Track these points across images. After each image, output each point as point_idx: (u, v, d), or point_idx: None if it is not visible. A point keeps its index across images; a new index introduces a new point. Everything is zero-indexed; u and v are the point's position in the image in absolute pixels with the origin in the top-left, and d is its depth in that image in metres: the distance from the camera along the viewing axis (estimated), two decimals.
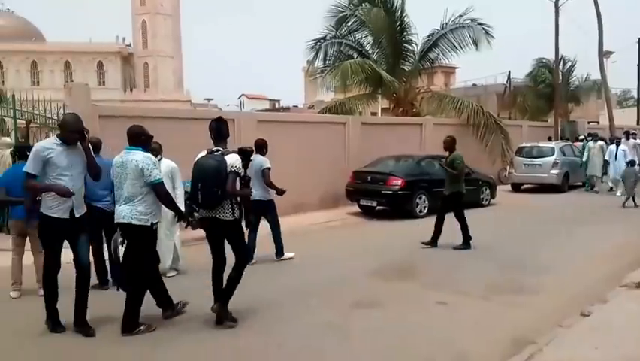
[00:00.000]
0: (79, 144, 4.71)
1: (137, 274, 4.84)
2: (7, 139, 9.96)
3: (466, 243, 8.41)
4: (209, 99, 60.18)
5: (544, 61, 27.63)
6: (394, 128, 14.99)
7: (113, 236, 6.10)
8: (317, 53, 18.14)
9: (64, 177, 4.57)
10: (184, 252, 7.20)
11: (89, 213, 6.14)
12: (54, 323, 4.81)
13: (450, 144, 8.73)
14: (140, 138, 4.89)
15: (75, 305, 4.79)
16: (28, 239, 6.13)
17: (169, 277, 6.68)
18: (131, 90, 52.67)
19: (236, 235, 5.04)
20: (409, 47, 17.95)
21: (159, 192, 4.78)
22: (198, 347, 4.52)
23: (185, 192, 8.67)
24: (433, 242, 8.47)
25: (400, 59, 17.86)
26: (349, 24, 17.97)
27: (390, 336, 4.75)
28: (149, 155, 4.85)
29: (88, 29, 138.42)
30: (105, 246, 6.30)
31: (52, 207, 4.59)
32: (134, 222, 4.71)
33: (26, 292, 6.01)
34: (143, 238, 4.78)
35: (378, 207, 12.02)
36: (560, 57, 23.29)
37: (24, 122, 9.91)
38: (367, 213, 12.22)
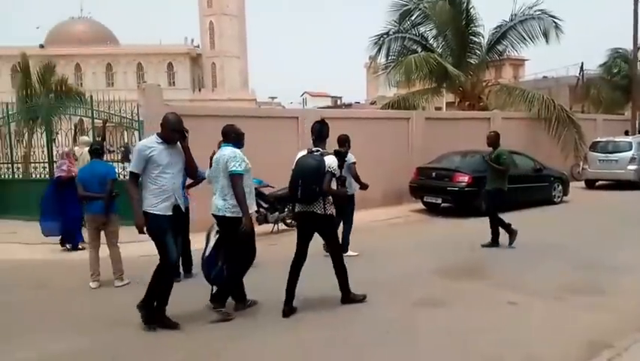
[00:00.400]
0: (178, 143, 4.88)
1: (235, 262, 5.18)
2: (86, 138, 10.59)
3: (495, 242, 8.26)
4: (273, 97, 61.27)
5: (620, 51, 26.02)
6: (460, 123, 14.63)
7: (185, 228, 6.42)
8: (380, 49, 17.99)
9: (165, 174, 4.69)
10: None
11: None
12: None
13: (494, 140, 8.55)
14: (230, 136, 5.31)
15: (158, 298, 4.89)
16: (103, 233, 6.47)
17: None
18: (200, 90, 54.42)
19: (330, 230, 5.36)
20: (476, 39, 17.48)
21: (234, 182, 5.00)
22: (266, 340, 4.61)
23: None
24: (494, 243, 8.28)
25: (465, 51, 17.42)
26: (413, 18, 17.71)
27: (456, 336, 4.64)
28: (236, 150, 5.17)
29: (158, 32, 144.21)
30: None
31: (157, 205, 4.65)
32: (228, 214, 5.04)
33: (104, 283, 6.35)
34: (237, 229, 5.01)
35: (443, 205, 11.78)
36: (638, 47, 21.85)
37: (101, 121, 10.47)
38: (432, 210, 12.01)
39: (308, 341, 4.59)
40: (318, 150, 5.24)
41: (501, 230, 8.25)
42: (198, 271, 6.69)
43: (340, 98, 62.51)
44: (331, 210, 5.20)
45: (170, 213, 4.75)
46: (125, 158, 10.11)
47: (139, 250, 7.51)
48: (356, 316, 5.17)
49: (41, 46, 49.10)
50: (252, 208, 5.27)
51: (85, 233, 7.39)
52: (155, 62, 54.47)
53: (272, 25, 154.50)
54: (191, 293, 5.80)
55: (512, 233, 8.18)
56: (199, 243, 6.83)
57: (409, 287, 6.13)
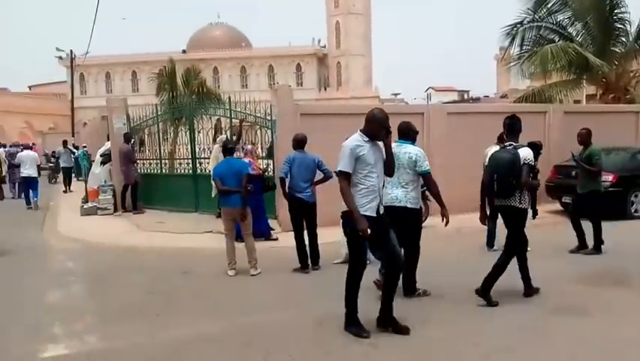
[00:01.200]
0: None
1: (410, 250, 5.45)
2: (224, 136, 11.40)
3: (598, 248, 7.49)
4: (396, 94, 60.88)
5: None
6: (603, 118, 13.31)
7: (312, 223, 6.68)
8: (513, 39, 17.00)
9: (372, 174, 4.46)
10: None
11: (291, 203, 6.80)
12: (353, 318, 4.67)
13: (585, 137, 7.83)
14: (408, 134, 5.65)
15: (383, 303, 4.67)
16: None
17: (335, 263, 6.98)
18: (325, 89, 55.79)
19: (519, 224, 5.36)
20: (621, 26, 15.80)
21: (429, 180, 5.42)
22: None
23: None
24: (582, 248, 7.64)
25: (609, 39, 15.83)
26: (549, 6, 16.46)
27: (596, 347, 4.28)
28: (420, 148, 5.54)
29: (288, 34, 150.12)
30: (305, 233, 6.87)
31: (365, 205, 4.42)
32: (409, 205, 5.40)
33: (240, 271, 6.78)
34: (418, 220, 5.43)
35: None
36: None
37: (237, 121, 11.19)
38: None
39: (436, 340, 4.51)
40: (511, 144, 5.34)
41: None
42: (323, 263, 6.95)
43: (467, 92, 60.26)
44: (525, 203, 5.25)
45: (375, 215, 4.45)
46: (269, 155, 10.66)
47: (271, 241, 7.99)
48: (486, 318, 4.99)
49: (183, 51, 53.67)
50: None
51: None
52: (284, 63, 56.88)
53: (396, 21, 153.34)
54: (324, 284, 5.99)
55: (600, 243, 7.52)
56: (325, 236, 7.08)
57: (542, 292, 5.76)
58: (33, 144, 20.23)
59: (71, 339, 4.73)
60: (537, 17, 16.66)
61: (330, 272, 6.82)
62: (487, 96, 46.78)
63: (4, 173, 14.64)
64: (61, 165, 19.50)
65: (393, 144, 4.83)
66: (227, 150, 7.12)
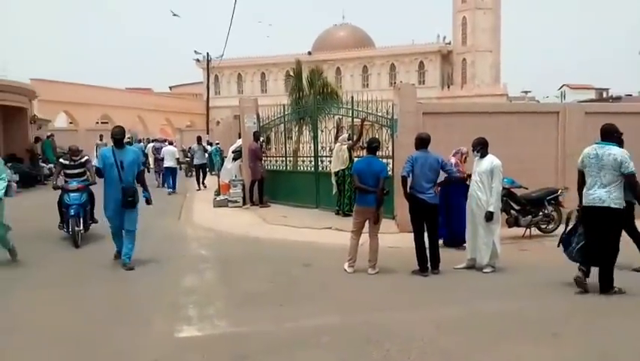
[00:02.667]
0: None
1: (611, 249, 5.59)
2: (345, 135, 11.59)
3: None
4: (526, 92, 57.37)
5: None
6: None
7: (433, 225, 6.55)
8: None
9: None
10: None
11: (412, 204, 6.73)
12: None
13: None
14: (613, 135, 5.70)
15: None
16: (367, 223, 6.90)
17: (485, 273, 6.76)
18: (448, 87, 54.24)
19: None
20: None
21: (632, 181, 5.50)
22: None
23: (503, 188, 8.60)
24: None
25: None
26: None
27: None
28: (624, 150, 5.60)
29: (412, 31, 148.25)
30: (426, 234, 6.76)
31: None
32: (613, 205, 5.47)
33: (357, 269, 6.86)
34: (619, 219, 5.54)
35: None
36: None
37: (359, 120, 11.30)
38: None
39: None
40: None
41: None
42: (443, 268, 6.79)
43: (606, 90, 54.98)
44: None
45: None
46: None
47: (388, 241, 7.99)
48: (613, 330, 4.57)
49: (309, 53, 55.30)
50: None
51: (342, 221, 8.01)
52: (406, 61, 56.22)
53: (528, 14, 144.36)
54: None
55: None
56: None
57: None
58: (170, 142, 22.07)
59: (203, 322, 5.12)
60: None
61: (449, 277, 6.68)
62: (630, 95, 42.26)
63: (151, 165, 19.83)
64: (195, 161, 18.94)
65: (594, 145, 5.61)
66: (371, 148, 7.06)
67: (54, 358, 4.34)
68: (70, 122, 44.08)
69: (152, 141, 22.78)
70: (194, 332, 4.88)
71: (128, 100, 48.91)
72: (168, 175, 17.10)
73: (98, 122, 44.88)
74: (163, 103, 55.52)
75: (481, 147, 6.94)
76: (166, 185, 17.14)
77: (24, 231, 8.60)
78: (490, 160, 6.84)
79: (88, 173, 8.99)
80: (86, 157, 9.26)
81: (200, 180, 17.76)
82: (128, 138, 27.20)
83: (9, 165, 16.84)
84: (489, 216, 6.73)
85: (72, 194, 8.61)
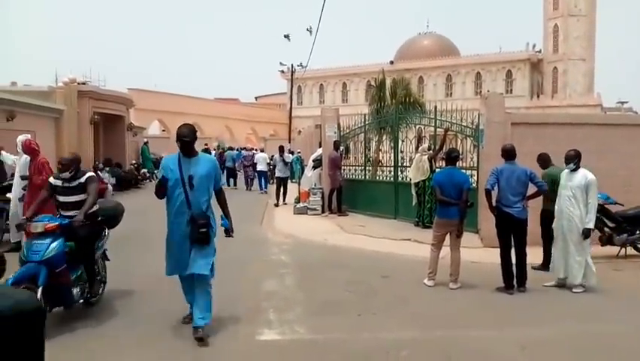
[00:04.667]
0: None
1: None
2: (426, 145, 11.41)
3: None
4: (622, 102, 53.55)
5: None
6: None
7: (521, 241, 6.28)
8: None
9: None
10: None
11: (499, 218, 6.49)
12: None
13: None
14: None
15: None
16: (449, 236, 6.75)
17: (575, 292, 6.39)
18: (538, 97, 51.89)
19: None
20: None
21: None
22: None
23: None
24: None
25: None
26: None
27: None
28: None
29: (500, 39, 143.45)
30: (513, 251, 6.48)
31: None
32: None
33: (437, 283, 6.69)
34: None
35: None
36: None
37: (442, 130, 11.08)
38: None
39: None
40: None
41: None
42: (530, 285, 6.48)
43: None
44: None
45: None
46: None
47: (471, 256, 7.75)
48: None
49: (391, 62, 55.08)
50: None
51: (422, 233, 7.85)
52: (493, 70, 54.51)
53: (626, 21, 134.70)
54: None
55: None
56: (533, 256, 6.61)
57: None
58: (262, 149, 23.12)
59: (283, 326, 5.22)
60: None
61: (536, 295, 6.37)
62: None
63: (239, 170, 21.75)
64: (276, 174, 17.21)
65: None
66: (451, 158, 6.94)
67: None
68: (163, 130, 46.79)
69: (243, 149, 24.76)
70: (274, 335, 4.99)
71: (217, 110, 51.27)
72: (261, 178, 19.98)
73: None
74: (249, 113, 57.62)
75: (576, 160, 6.57)
76: (259, 186, 19.92)
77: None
78: (584, 174, 6.48)
79: (90, 198, 5.28)
80: (88, 174, 5.49)
81: (280, 194, 15.79)
82: (205, 145, 28.51)
83: (107, 169, 18.30)
84: (587, 234, 6.36)
85: (34, 242, 4.85)
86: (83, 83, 19.69)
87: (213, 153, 29.24)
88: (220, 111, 51.52)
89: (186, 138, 4.68)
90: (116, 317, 5.37)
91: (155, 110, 41.91)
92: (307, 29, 26.37)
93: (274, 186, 17.33)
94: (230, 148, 28.65)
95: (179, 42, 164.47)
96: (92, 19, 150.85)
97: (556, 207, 6.67)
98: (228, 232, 5.05)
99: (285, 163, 16.82)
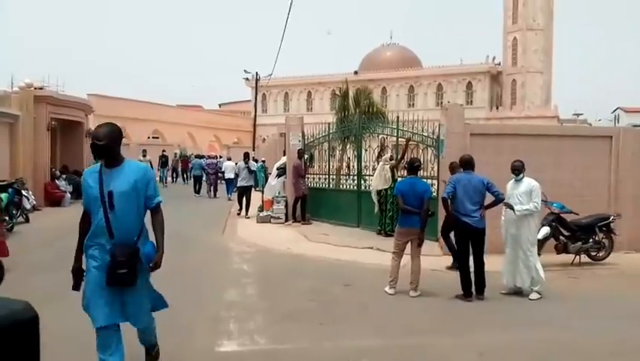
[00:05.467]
0: None
1: None
2: (388, 155, 11.56)
3: None
4: (578, 114, 55.51)
5: None
6: None
7: (479, 249, 6.43)
8: None
9: None
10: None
11: (456, 227, 6.62)
12: None
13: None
14: None
15: None
16: (410, 245, 6.82)
17: (531, 299, 6.55)
18: (497, 108, 53.29)
19: None
20: None
21: None
22: None
23: (552, 213, 8.37)
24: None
25: None
26: None
27: None
28: None
29: (460, 52, 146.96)
30: (471, 258, 6.62)
31: None
32: None
33: (397, 291, 6.74)
34: None
35: None
36: None
37: (404, 140, 11.24)
38: None
39: None
40: None
41: None
42: (488, 293, 6.62)
43: None
44: None
45: None
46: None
47: (431, 264, 7.87)
48: None
49: (355, 72, 55.56)
50: None
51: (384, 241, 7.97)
52: (454, 81, 55.67)
53: (582, 34, 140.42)
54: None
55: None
56: (491, 264, 6.76)
57: None
58: (229, 157, 23.24)
59: (243, 337, 5.16)
60: None
61: (494, 303, 6.51)
62: None
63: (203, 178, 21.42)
64: (239, 183, 15.74)
65: None
66: (412, 168, 7.05)
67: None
68: (123, 137, 45.79)
69: (208, 157, 24.66)
70: (234, 346, 4.93)
71: (179, 116, 50.56)
72: (229, 185, 19.90)
73: (149, 138, 46.47)
74: (212, 120, 57.05)
75: (522, 170, 6.82)
76: (226, 193, 20.05)
77: None
78: (529, 182, 6.79)
79: None
80: None
81: (244, 204, 14.99)
82: (163, 152, 27.92)
83: (64, 176, 17.77)
84: (508, 205, 6.67)
85: None
86: (41, 88, 19.06)
87: (173, 159, 29.04)
88: (182, 118, 50.84)
89: (100, 142, 3.44)
90: None
91: (116, 116, 40.86)
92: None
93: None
94: (198, 156, 28.44)
95: (142, 48, 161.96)
96: (52, 23, 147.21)
97: (502, 217, 6.89)
98: (150, 264, 3.60)
99: (250, 171, 15.73)
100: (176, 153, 31.51)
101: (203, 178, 21.87)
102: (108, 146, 3.48)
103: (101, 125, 3.62)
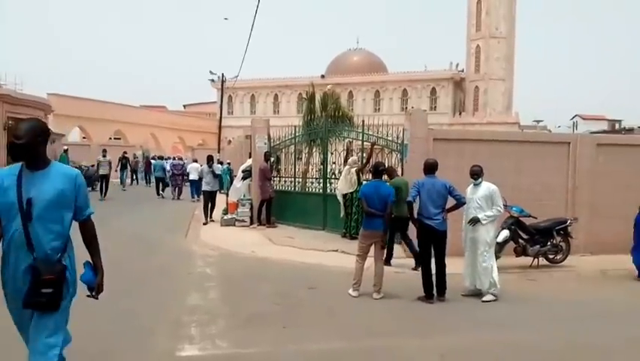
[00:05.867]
0: None
1: None
2: (355, 158, 11.61)
3: None
4: (538, 121, 57.30)
5: None
6: None
7: (441, 252, 6.52)
8: None
9: None
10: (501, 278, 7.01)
11: (419, 230, 6.70)
12: None
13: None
14: None
15: None
16: (373, 247, 6.88)
17: (485, 301, 6.68)
18: (460, 114, 54.36)
19: None
20: None
21: None
22: None
23: (512, 217, 8.57)
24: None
25: None
26: None
27: None
28: None
29: (425, 58, 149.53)
30: (433, 260, 6.71)
31: None
32: None
33: (361, 293, 6.78)
34: None
35: None
36: None
37: (369, 144, 11.33)
38: None
39: None
40: None
41: None
42: (449, 295, 6.72)
43: (620, 121, 54.83)
44: None
45: None
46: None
47: (395, 266, 7.94)
48: None
49: (322, 76, 55.79)
50: None
51: (349, 244, 7.98)
52: (419, 87, 56.55)
53: (543, 43, 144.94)
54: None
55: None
56: (453, 267, 6.88)
57: None
58: (195, 159, 23.30)
59: (205, 341, 5.07)
60: None
61: (455, 304, 6.60)
62: None
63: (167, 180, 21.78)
64: (203, 187, 14.64)
65: None
66: (377, 172, 7.11)
67: None
68: (84, 137, 44.68)
69: (173, 159, 24.79)
70: (195, 351, 4.84)
71: (142, 117, 49.61)
72: (193, 186, 20.27)
73: (111, 138, 45.44)
74: (176, 121, 56.19)
75: (481, 175, 6.97)
76: (190, 195, 20.37)
77: None
78: (487, 186, 6.93)
79: None
80: None
81: (209, 210, 13.93)
82: (124, 154, 27.48)
83: None
84: (474, 219, 6.76)
85: None
86: None
87: (132, 160, 28.38)
88: (146, 119, 49.90)
89: (20, 140, 2.94)
90: None
91: (76, 116, 39.97)
92: (224, 18, 26.08)
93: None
94: (160, 157, 28.13)
95: (106, 47, 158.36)
96: (11, 18, 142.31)
97: (463, 221, 7.03)
98: (92, 291, 3.20)
99: (215, 175, 14.62)
100: (135, 154, 30.79)
101: (166, 180, 22.08)
102: (29, 145, 2.95)
103: (22, 121, 3.12)
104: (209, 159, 14.87)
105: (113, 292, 6.57)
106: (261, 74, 60.74)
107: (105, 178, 19.27)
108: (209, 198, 14.10)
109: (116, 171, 24.05)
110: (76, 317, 5.06)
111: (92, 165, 22.88)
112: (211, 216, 13.91)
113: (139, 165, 29.56)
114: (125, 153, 27.45)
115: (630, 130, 40.18)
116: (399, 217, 7.88)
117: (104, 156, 20.17)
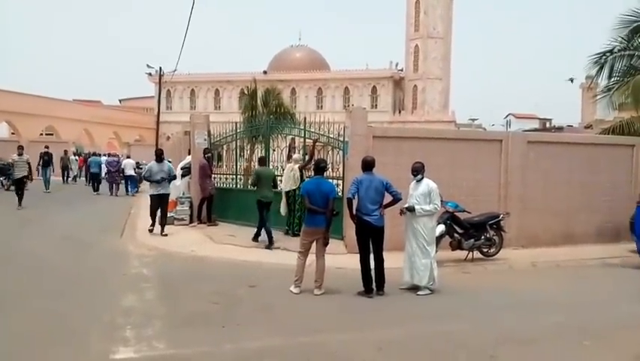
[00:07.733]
0: None
1: None
2: (298, 155, 11.62)
3: None
4: (473, 119, 59.50)
5: None
6: None
7: (379, 247, 6.64)
8: (601, 68, 16.17)
9: None
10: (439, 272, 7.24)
11: (358, 225, 6.80)
12: None
13: None
14: None
15: None
16: (314, 244, 6.91)
17: (420, 295, 6.87)
18: (399, 112, 55.54)
19: None
20: None
21: None
22: None
23: (447, 212, 8.83)
24: None
25: None
26: None
27: None
28: None
29: (366, 56, 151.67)
30: (372, 256, 6.82)
31: None
32: None
33: (303, 290, 6.82)
34: None
35: None
36: None
37: (311, 141, 11.36)
38: None
39: None
40: None
41: None
42: (388, 289, 6.86)
43: (550, 120, 57.95)
44: None
45: None
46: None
47: (336, 262, 8.02)
48: None
49: (264, 72, 55.40)
50: None
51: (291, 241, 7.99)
52: (360, 85, 57.27)
53: (478, 44, 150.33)
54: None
55: None
56: (391, 261, 7.02)
57: (624, 336, 5.38)
58: (128, 155, 23.51)
59: (140, 343, 4.93)
60: (630, 46, 15.73)
61: (394, 298, 6.75)
62: (571, 126, 44.66)
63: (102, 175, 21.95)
64: (150, 190, 11.64)
65: None
66: (319, 168, 7.13)
67: None
68: (13, 133, 42.27)
69: (109, 155, 24.24)
70: (130, 353, 4.69)
71: (75, 112, 47.43)
72: (128, 182, 21.41)
73: (42, 134, 43.21)
74: (111, 116, 54.12)
75: (422, 172, 7.16)
76: (125, 190, 21.37)
77: None
78: (427, 183, 7.15)
79: None
80: None
81: (158, 217, 11.57)
82: (65, 152, 26.65)
83: None
84: (409, 208, 7.01)
85: None
86: None
87: (63, 157, 27.00)
88: (79, 114, 47.72)
89: None
90: None
91: (4, 110, 37.71)
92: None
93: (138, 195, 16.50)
94: (95, 154, 27.20)
95: (35, 37, 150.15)
96: None
97: (405, 218, 7.20)
98: None
99: (168, 175, 11.62)
100: (66, 151, 29.13)
101: (100, 176, 22.14)
102: None
103: None
104: (160, 154, 11.90)
105: (43, 294, 6.32)
106: (202, 68, 59.39)
107: (21, 181, 15.52)
108: (159, 204, 11.40)
109: (37, 169, 21.41)
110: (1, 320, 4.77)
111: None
112: (163, 229, 11.34)
113: (70, 162, 27.89)
114: (46, 147, 23.37)
115: (560, 128, 42.49)
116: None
117: (21, 153, 15.90)
